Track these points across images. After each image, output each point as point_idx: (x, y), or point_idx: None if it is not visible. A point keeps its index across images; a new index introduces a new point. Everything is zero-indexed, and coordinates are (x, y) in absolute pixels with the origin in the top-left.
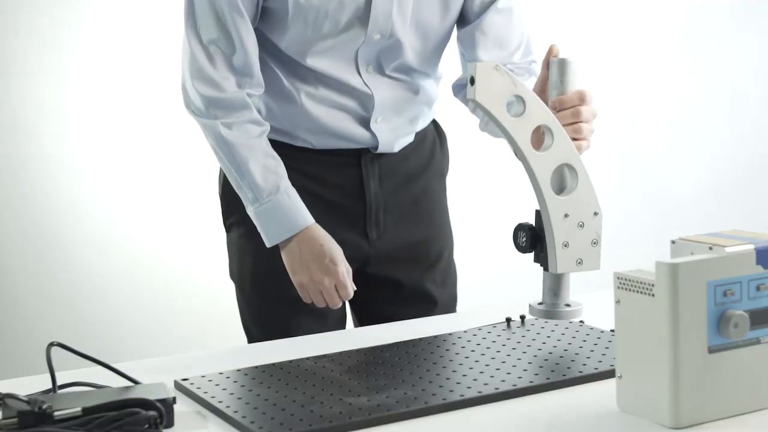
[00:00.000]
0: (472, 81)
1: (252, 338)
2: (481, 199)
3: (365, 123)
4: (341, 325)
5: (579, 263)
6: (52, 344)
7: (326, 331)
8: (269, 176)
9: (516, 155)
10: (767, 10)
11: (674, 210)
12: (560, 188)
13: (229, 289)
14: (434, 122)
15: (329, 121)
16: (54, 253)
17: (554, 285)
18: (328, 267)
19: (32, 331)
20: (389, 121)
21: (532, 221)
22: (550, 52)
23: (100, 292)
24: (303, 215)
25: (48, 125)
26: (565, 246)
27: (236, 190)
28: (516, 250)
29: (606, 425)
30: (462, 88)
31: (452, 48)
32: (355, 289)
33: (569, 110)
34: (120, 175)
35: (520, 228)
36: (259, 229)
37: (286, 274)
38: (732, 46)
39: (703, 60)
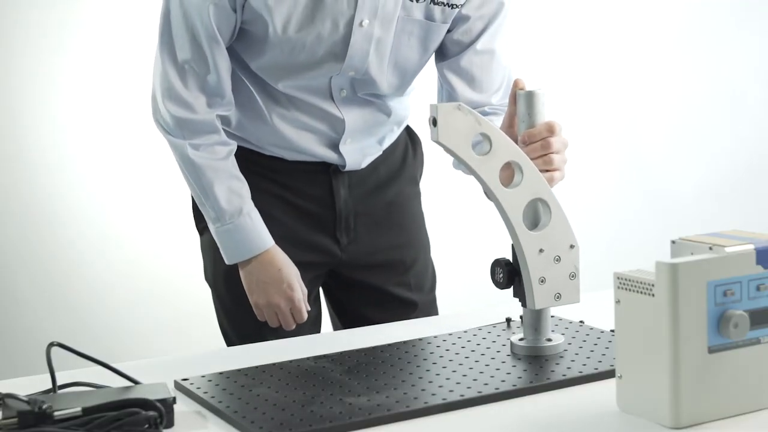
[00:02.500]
0: (434, 122)
1: (229, 341)
2: (475, 200)
3: (334, 145)
4: (317, 328)
5: (557, 298)
6: (52, 344)
7: (302, 333)
8: (233, 198)
9: (486, 194)
10: (767, 10)
11: (674, 210)
12: (534, 223)
13: None
14: (407, 128)
15: (299, 141)
16: (54, 254)
17: (534, 321)
18: (285, 291)
19: (32, 331)
20: (358, 142)
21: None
22: (515, 85)
23: (100, 292)
24: (263, 238)
25: (48, 127)
26: (542, 281)
27: (199, 207)
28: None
29: (606, 425)
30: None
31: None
32: (309, 310)
33: (538, 143)
34: (120, 175)
35: (497, 264)
36: (220, 247)
37: None
38: (732, 46)
39: (703, 60)
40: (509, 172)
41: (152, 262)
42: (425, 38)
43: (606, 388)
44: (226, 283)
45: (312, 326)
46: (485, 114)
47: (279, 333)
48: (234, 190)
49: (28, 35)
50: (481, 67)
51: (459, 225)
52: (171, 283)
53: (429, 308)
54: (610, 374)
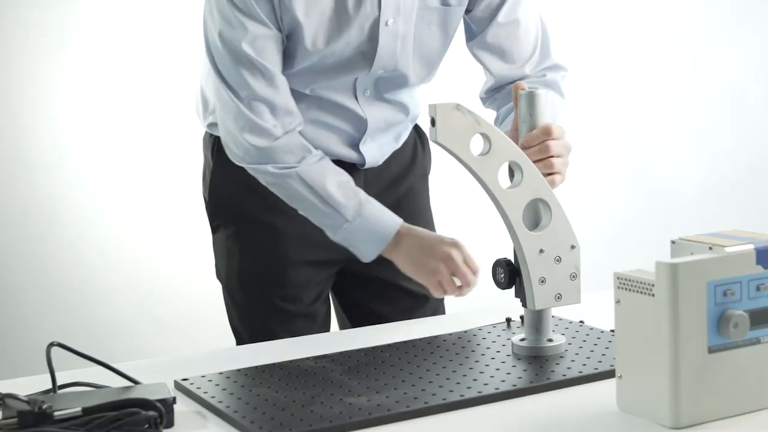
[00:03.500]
0: (433, 122)
1: (239, 338)
2: (475, 200)
3: (354, 144)
4: (327, 326)
5: (558, 298)
6: (52, 344)
7: (313, 331)
8: (348, 192)
9: (486, 194)
10: (767, 10)
11: (674, 210)
12: (535, 223)
13: None
14: (415, 125)
15: (320, 141)
16: (54, 254)
17: (535, 321)
18: (442, 251)
19: (32, 331)
20: (377, 141)
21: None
22: (517, 88)
23: (100, 292)
24: (392, 216)
25: (48, 126)
26: (542, 282)
27: (317, 223)
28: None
29: (606, 425)
30: (490, 95)
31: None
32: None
33: (536, 147)
34: (120, 176)
35: (498, 264)
36: (357, 248)
37: (272, 275)
38: (732, 46)
39: (703, 60)
40: None
41: (152, 262)
42: (445, 24)
43: (606, 388)
44: (240, 281)
45: (322, 325)
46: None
47: (290, 330)
48: (344, 184)
49: (28, 35)
50: (508, 39)
51: (459, 225)
52: (171, 283)
53: (438, 303)
54: (610, 374)
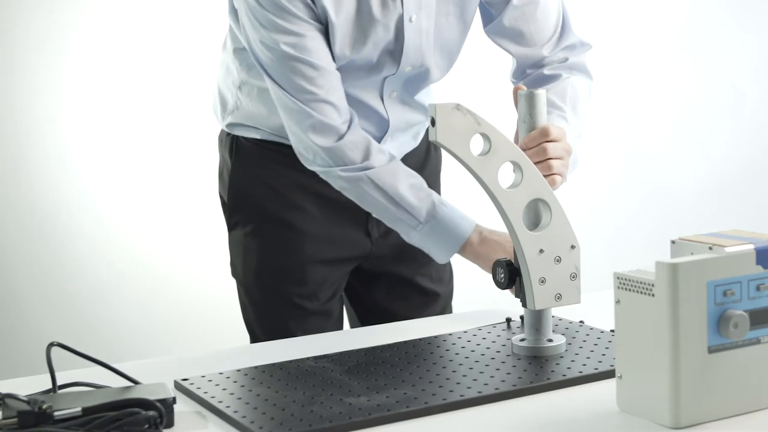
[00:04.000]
0: (433, 122)
1: (254, 336)
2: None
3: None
4: (340, 323)
5: (558, 298)
6: (52, 344)
7: (328, 329)
8: (420, 194)
9: (486, 194)
10: (767, 10)
11: (674, 210)
12: (535, 223)
13: (229, 289)
14: None
15: None
16: (54, 253)
17: (535, 321)
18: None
19: (32, 331)
20: (396, 140)
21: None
22: (517, 89)
23: (100, 292)
24: (466, 217)
25: (49, 125)
26: (542, 282)
27: (391, 225)
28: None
29: (606, 425)
30: (518, 79)
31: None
32: None
33: (534, 149)
34: (120, 175)
35: (498, 264)
36: (431, 249)
37: (289, 273)
38: (732, 45)
39: (704, 59)
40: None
41: (152, 262)
42: (462, 13)
43: (606, 388)
44: (257, 278)
45: (336, 322)
46: (545, 79)
47: (305, 328)
48: (416, 186)
49: (28, 35)
50: (526, 21)
51: None
52: (171, 283)
53: (447, 300)
54: (610, 374)
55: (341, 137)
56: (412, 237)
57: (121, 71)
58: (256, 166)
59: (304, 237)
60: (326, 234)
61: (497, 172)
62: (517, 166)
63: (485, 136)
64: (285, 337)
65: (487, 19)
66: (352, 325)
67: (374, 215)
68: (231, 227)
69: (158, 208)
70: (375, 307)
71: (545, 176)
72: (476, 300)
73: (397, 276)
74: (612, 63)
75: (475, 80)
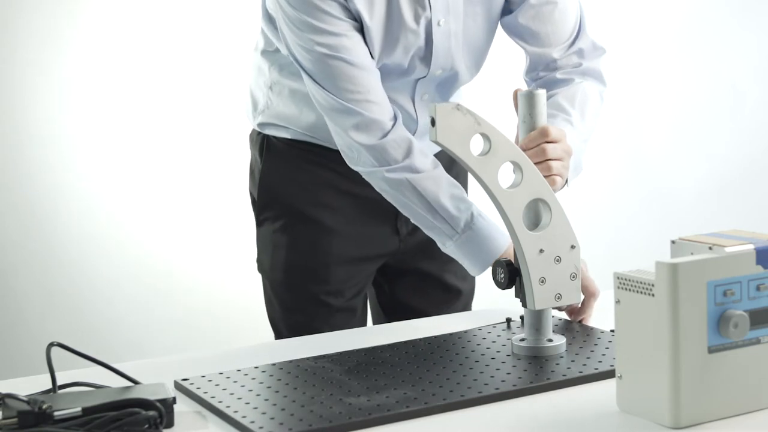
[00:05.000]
0: (433, 122)
1: (278, 331)
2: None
3: None
4: (364, 320)
5: (558, 298)
6: (52, 344)
7: (352, 325)
8: (460, 205)
9: (486, 194)
10: (767, 10)
11: (674, 210)
12: (535, 223)
13: (230, 289)
14: None
15: None
16: (54, 253)
17: (535, 321)
18: None
19: (32, 331)
20: (423, 141)
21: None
22: (517, 91)
23: (100, 292)
24: (503, 232)
25: (49, 125)
26: (542, 282)
27: (427, 232)
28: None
29: (606, 425)
30: (532, 79)
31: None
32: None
33: (533, 150)
34: (120, 175)
35: (498, 264)
36: (465, 261)
37: (317, 270)
38: (732, 45)
39: (704, 59)
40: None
41: (153, 262)
42: (489, 14)
43: (606, 388)
44: (285, 274)
45: (360, 318)
46: (557, 82)
47: (330, 323)
48: (457, 196)
49: (29, 35)
50: (542, 21)
51: None
52: (172, 283)
53: (469, 298)
54: (610, 374)
55: (386, 134)
56: (448, 246)
57: (121, 71)
58: (286, 164)
59: (332, 235)
60: (355, 232)
61: (497, 172)
62: (517, 166)
63: (485, 136)
64: (309, 334)
65: (505, 12)
66: (375, 321)
67: (412, 221)
68: (260, 223)
69: (158, 208)
70: (397, 303)
71: (544, 177)
72: (476, 300)
73: (423, 272)
74: (612, 63)
75: (475, 80)
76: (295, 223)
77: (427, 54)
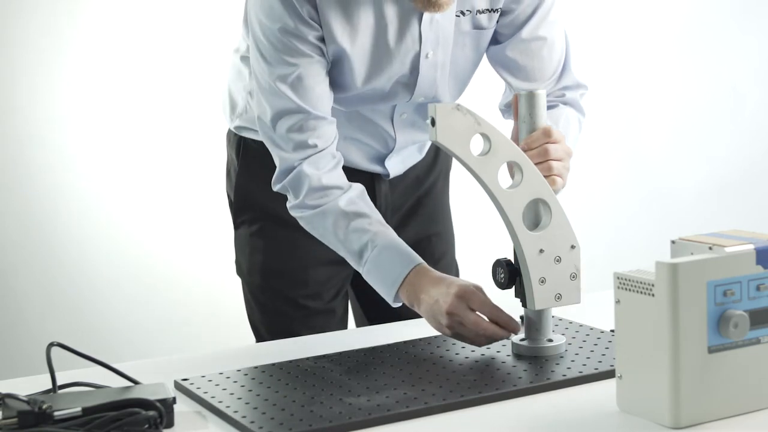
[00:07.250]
0: (433, 122)
1: (259, 335)
2: (475, 199)
3: (380, 159)
4: (345, 322)
5: (558, 298)
6: (52, 344)
7: (332, 328)
8: (363, 236)
9: (486, 194)
10: (767, 11)
11: (674, 210)
12: (535, 223)
13: (230, 288)
14: None
15: (348, 155)
16: (54, 253)
17: (535, 321)
18: (443, 311)
19: (32, 331)
20: (401, 155)
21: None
22: (517, 94)
23: (100, 292)
24: (407, 257)
25: (49, 125)
26: (542, 282)
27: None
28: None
29: (606, 425)
30: (509, 108)
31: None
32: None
33: (536, 150)
34: (120, 175)
35: (498, 264)
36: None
37: (294, 272)
38: (732, 46)
39: (704, 60)
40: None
41: (152, 262)
42: (477, 45)
43: (606, 388)
44: (262, 277)
45: (341, 320)
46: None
47: (310, 326)
48: (359, 229)
49: (28, 35)
50: (529, 56)
51: (460, 224)
52: (172, 283)
53: None
54: (610, 374)
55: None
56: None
57: (121, 71)
58: (263, 167)
59: (309, 238)
60: None
61: (497, 172)
62: (517, 166)
63: (485, 136)
64: (289, 336)
65: (492, 42)
66: (358, 323)
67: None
68: (237, 226)
69: (158, 208)
70: (380, 304)
71: (545, 177)
72: None
73: None
74: (613, 64)
75: (475, 80)
76: (272, 226)
77: (411, 82)
